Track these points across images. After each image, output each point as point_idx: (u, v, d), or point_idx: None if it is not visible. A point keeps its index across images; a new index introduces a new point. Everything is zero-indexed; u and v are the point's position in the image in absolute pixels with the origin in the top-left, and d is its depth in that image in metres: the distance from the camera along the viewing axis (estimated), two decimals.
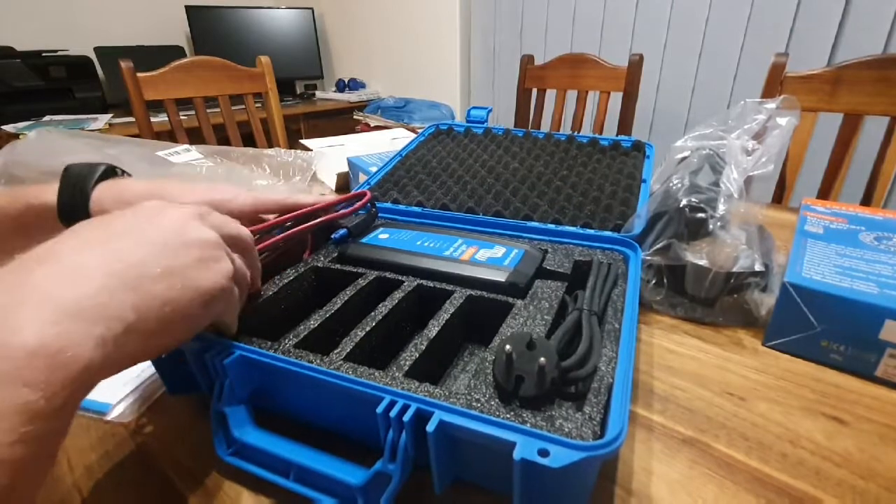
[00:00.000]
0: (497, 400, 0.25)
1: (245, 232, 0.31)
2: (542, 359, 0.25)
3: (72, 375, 0.17)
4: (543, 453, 0.21)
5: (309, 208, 0.42)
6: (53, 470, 0.29)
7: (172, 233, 0.25)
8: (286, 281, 0.37)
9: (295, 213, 0.41)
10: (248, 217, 0.40)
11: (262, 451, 0.26)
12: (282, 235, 0.39)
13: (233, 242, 0.30)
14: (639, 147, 0.65)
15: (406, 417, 0.23)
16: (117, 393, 0.34)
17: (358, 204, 0.44)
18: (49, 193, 0.35)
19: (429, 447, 0.23)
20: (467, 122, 0.77)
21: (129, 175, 0.40)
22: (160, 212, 0.26)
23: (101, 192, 0.36)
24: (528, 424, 0.23)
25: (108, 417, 0.33)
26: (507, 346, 0.25)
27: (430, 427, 0.22)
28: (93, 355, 0.18)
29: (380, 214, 0.50)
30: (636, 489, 0.27)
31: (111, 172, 0.38)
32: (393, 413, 0.23)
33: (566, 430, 0.23)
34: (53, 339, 0.17)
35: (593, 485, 0.26)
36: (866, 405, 0.33)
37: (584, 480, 0.24)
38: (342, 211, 0.44)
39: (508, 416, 0.24)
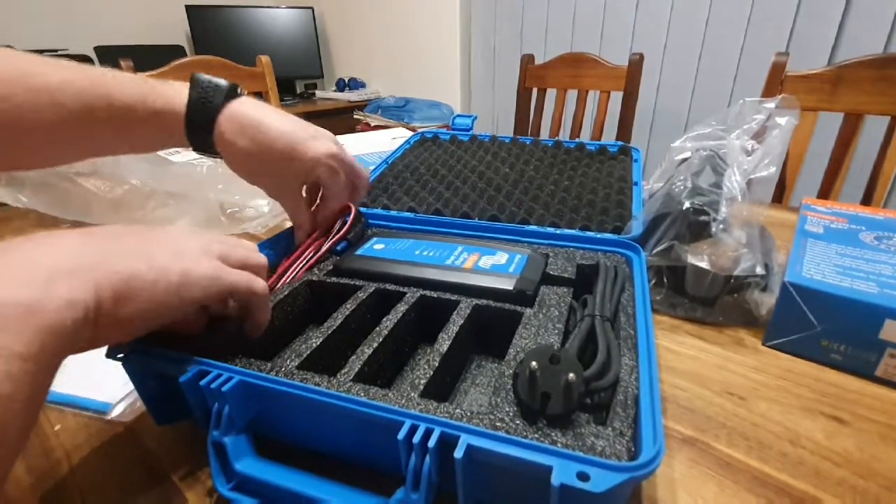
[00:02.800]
0: (521, 419, 0.24)
1: (254, 260, 0.31)
2: (571, 374, 0.24)
3: (43, 326, 0.20)
4: (583, 477, 0.20)
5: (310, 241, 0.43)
6: (53, 469, 0.29)
7: (168, 242, 0.27)
8: (279, 297, 0.36)
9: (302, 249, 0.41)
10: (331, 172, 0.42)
11: (267, 483, 0.24)
12: (283, 280, 0.39)
13: (242, 266, 0.30)
14: (625, 151, 0.66)
15: (431, 443, 0.22)
16: (117, 392, 0.34)
17: (350, 220, 0.44)
18: (177, 104, 0.39)
19: (455, 473, 0.22)
20: (452, 129, 0.77)
21: (245, 93, 0.43)
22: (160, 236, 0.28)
23: (224, 116, 0.39)
24: (560, 445, 0.22)
25: (109, 417, 0.33)
26: (533, 363, 0.24)
27: (458, 453, 0.21)
28: (63, 317, 0.21)
29: (371, 222, 0.49)
30: (635, 489, 0.27)
31: (234, 91, 0.41)
32: (416, 439, 0.22)
33: (599, 448, 0.22)
34: (26, 297, 0.20)
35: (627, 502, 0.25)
36: (866, 405, 0.33)
37: (621, 501, 0.23)
38: (340, 234, 0.43)
39: (536, 436, 0.23)
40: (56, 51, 1.82)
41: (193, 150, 0.42)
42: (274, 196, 0.44)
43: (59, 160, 0.44)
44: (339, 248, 0.43)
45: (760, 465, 0.29)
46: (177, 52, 2.15)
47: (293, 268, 0.40)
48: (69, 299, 0.21)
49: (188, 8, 2.13)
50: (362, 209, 0.51)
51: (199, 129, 0.39)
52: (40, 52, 1.72)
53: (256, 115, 0.40)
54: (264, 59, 1.30)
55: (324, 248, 0.42)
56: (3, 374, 0.18)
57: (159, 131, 0.40)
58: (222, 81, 0.40)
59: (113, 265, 0.23)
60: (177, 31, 2.29)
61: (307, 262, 0.41)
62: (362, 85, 2.58)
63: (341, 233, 0.43)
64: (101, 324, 0.22)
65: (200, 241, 0.28)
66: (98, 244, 0.24)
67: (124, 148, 0.43)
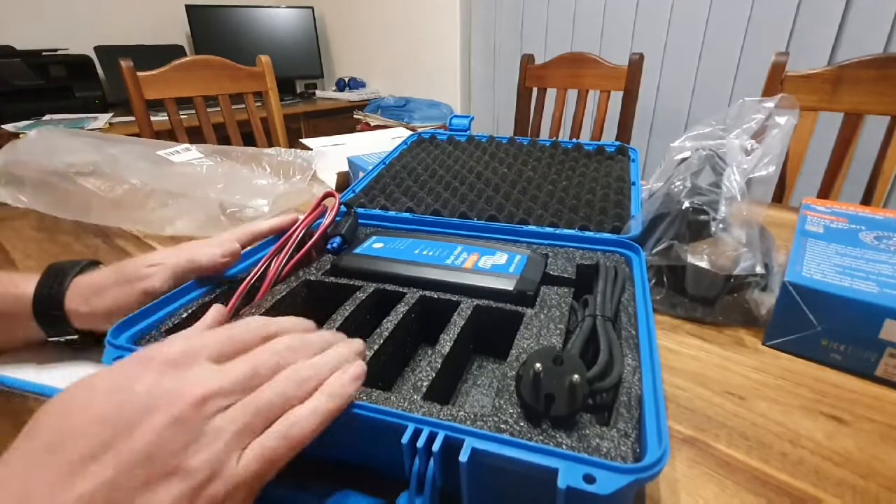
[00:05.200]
0: (525, 421, 0.24)
1: (265, 329, 0.25)
2: (576, 376, 0.23)
3: None
4: (589, 479, 0.20)
5: (290, 230, 0.41)
6: None
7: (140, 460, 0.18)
8: (277, 298, 0.35)
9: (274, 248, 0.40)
10: (225, 263, 0.38)
11: (268, 490, 0.24)
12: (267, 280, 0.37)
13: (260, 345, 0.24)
14: (623, 151, 0.66)
15: (435, 447, 0.22)
16: None
17: (332, 212, 0.43)
18: (29, 284, 0.36)
19: (460, 477, 0.22)
20: (450, 130, 0.77)
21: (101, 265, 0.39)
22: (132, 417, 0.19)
23: (74, 287, 0.35)
24: (564, 447, 0.22)
25: None
26: (537, 365, 0.24)
27: (463, 457, 0.21)
28: None
29: (369, 222, 0.49)
30: (638, 489, 0.27)
31: (92, 266, 0.38)
32: (420, 443, 0.22)
33: (604, 450, 0.22)
34: None
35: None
36: (866, 404, 0.33)
37: (626, 503, 0.23)
38: (323, 224, 0.43)
39: (541, 438, 0.23)
40: (56, 51, 1.82)
41: (48, 337, 0.36)
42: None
43: None
44: (331, 246, 0.42)
45: (760, 465, 0.29)
46: (177, 51, 2.14)
47: (276, 262, 0.38)
48: None
49: (188, 8, 2.13)
50: (358, 210, 0.50)
51: (47, 304, 0.35)
52: (40, 52, 1.71)
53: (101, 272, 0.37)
54: (264, 58, 1.30)
55: (309, 243, 0.41)
56: None
57: (13, 322, 0.36)
58: (82, 261, 0.37)
59: None
60: (177, 31, 2.29)
61: (290, 257, 0.40)
62: (362, 85, 2.58)
63: (326, 222, 0.43)
64: None
65: (180, 393, 0.19)
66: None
67: None
